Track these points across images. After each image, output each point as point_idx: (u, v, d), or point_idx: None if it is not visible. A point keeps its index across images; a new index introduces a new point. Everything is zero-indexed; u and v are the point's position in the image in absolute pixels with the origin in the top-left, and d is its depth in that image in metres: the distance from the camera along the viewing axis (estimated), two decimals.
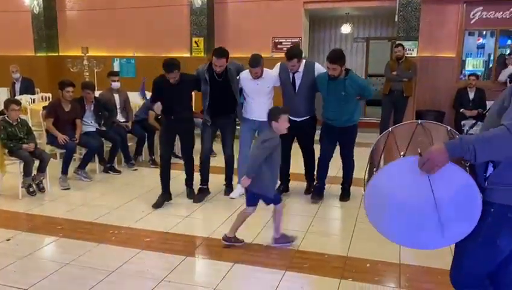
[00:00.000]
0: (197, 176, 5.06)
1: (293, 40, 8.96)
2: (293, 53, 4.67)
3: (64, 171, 5.51)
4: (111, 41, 9.75)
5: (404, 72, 7.77)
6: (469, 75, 8.11)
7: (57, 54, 10.40)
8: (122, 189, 5.45)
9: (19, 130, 5.12)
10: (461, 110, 7.96)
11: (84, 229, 4.19)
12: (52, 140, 5.71)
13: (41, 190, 5.24)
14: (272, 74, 4.87)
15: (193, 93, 5.29)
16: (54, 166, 5.62)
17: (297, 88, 4.78)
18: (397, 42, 8.08)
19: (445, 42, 8.47)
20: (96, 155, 5.97)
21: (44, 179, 5.27)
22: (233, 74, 4.79)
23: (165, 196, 4.83)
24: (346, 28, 10.38)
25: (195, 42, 8.97)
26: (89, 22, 10.10)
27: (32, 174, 5.14)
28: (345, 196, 5.04)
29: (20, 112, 5.31)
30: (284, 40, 8.96)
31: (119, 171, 6.10)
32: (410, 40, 8.15)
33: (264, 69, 4.75)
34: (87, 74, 7.26)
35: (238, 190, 4.98)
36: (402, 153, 2.05)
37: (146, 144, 6.59)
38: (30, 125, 5.97)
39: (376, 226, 2.22)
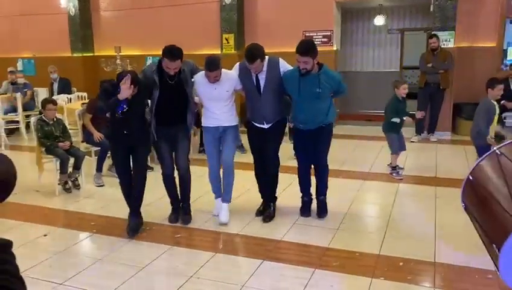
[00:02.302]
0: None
1: (324, 34, 8.82)
2: (255, 54, 3.93)
3: (99, 168, 5.63)
4: (144, 40, 9.88)
5: (440, 63, 7.50)
6: (510, 65, 7.73)
7: (92, 54, 10.66)
8: (154, 186, 5.45)
9: (55, 128, 5.27)
10: (502, 102, 7.60)
11: (116, 225, 4.26)
12: (87, 138, 5.85)
13: (77, 186, 5.39)
14: (231, 76, 4.16)
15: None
16: (89, 164, 5.75)
17: (262, 89, 4.10)
18: (432, 33, 7.80)
19: (484, 31, 8.10)
20: None
21: (80, 176, 5.42)
22: (187, 75, 4.06)
23: (138, 218, 4.11)
24: (379, 20, 10.10)
25: (226, 39, 8.98)
26: (122, 22, 10.30)
27: (68, 172, 5.29)
28: (323, 210, 4.36)
29: (57, 111, 5.46)
30: (315, 34, 8.82)
31: (151, 168, 6.16)
32: (446, 30, 7.83)
33: (223, 70, 4.07)
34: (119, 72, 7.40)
35: (225, 210, 4.33)
36: None
37: None
38: (66, 124, 6.15)
39: None
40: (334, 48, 8.87)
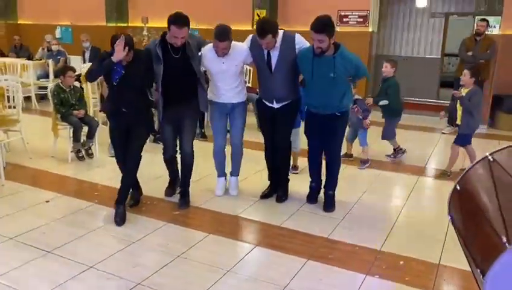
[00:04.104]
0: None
1: (360, 14, 8.41)
2: (266, 28, 3.67)
3: None
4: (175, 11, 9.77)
5: (482, 52, 6.96)
6: None
7: (126, 24, 10.68)
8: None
9: (72, 96, 5.28)
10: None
11: None
12: (105, 107, 5.85)
13: (90, 155, 5.42)
14: (241, 48, 3.93)
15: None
16: (106, 133, 5.72)
17: (273, 67, 3.85)
18: (482, 17, 7.21)
19: None
20: None
21: (93, 145, 5.43)
22: (193, 49, 3.77)
23: (124, 207, 3.76)
24: (421, 1, 9.51)
25: (257, 14, 8.73)
26: None
27: (82, 140, 5.31)
28: (329, 204, 4.07)
29: (75, 78, 5.48)
30: (351, 13, 8.44)
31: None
32: (492, 15, 7.26)
33: (233, 42, 3.82)
34: (146, 43, 7.35)
35: (234, 183, 4.39)
36: None
37: None
38: (90, 92, 6.17)
39: None
40: (370, 30, 8.46)
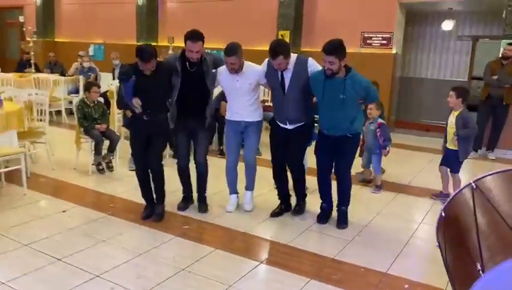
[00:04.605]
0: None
1: (384, 36, 8.41)
2: (277, 50, 3.79)
3: None
4: (204, 32, 10.03)
5: (508, 76, 6.81)
6: None
7: (155, 44, 11.01)
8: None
9: (95, 111, 5.49)
10: None
11: (133, 210, 4.33)
12: (127, 122, 6.03)
13: (110, 168, 5.59)
14: (255, 69, 4.10)
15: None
16: (127, 147, 5.90)
17: (286, 89, 3.98)
18: (510, 41, 7.08)
19: None
20: None
21: (114, 158, 5.60)
22: (209, 65, 4.00)
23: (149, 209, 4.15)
24: (448, 25, 9.43)
25: (281, 35, 8.85)
26: (185, 13, 10.55)
27: (103, 154, 5.49)
28: (342, 221, 4.11)
29: (98, 94, 5.71)
30: (374, 36, 8.44)
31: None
32: None
33: (247, 62, 4.06)
34: None
35: (248, 198, 4.45)
36: None
37: (216, 133, 6.66)
38: (115, 107, 6.37)
39: None
40: (393, 52, 8.43)
